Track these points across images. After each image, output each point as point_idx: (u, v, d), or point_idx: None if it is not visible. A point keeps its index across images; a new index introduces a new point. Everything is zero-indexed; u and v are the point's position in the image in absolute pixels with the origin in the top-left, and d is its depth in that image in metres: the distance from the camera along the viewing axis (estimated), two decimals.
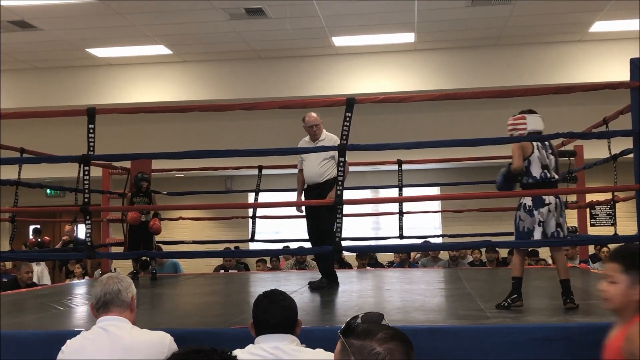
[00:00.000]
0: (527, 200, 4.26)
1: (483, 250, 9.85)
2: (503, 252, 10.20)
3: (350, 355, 1.65)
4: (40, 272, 10.32)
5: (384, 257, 11.57)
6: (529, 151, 4.31)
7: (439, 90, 9.94)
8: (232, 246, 11.11)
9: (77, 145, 6.64)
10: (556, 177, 4.39)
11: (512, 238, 4.51)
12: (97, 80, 11.34)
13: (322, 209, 5.64)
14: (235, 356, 1.73)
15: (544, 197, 4.22)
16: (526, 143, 4.33)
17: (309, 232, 6.02)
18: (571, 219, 7.44)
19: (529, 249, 9.13)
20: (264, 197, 8.60)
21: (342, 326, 1.73)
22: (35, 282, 9.08)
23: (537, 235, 4.21)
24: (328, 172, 5.87)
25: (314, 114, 5.97)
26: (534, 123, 4.44)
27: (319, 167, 5.88)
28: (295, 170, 6.18)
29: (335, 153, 5.54)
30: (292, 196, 6.27)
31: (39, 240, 11.54)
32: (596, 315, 3.89)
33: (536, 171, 4.31)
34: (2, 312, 4.56)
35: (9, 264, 11.70)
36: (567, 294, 4.10)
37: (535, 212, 4.22)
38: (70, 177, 7.52)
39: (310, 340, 2.84)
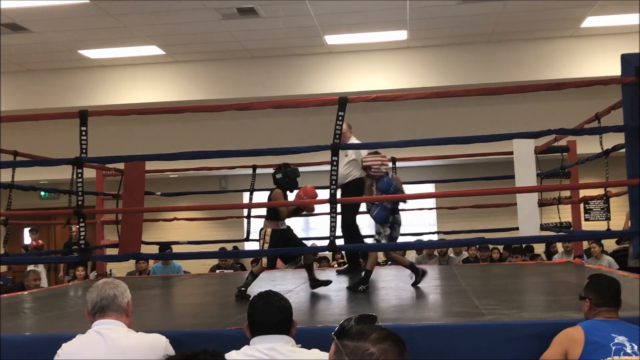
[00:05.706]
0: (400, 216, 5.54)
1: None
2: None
3: (344, 356, 1.66)
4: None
5: (379, 255, 11.56)
6: None
7: (432, 87, 9.96)
8: (227, 246, 11.11)
9: (71, 146, 6.61)
10: None
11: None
12: (90, 82, 11.31)
13: (343, 208, 6.18)
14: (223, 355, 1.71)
15: None
16: None
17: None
18: (565, 214, 7.47)
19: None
20: (258, 196, 8.58)
21: (337, 327, 1.74)
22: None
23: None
24: (352, 173, 6.18)
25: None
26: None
27: (342, 169, 6.11)
28: None
29: (356, 155, 6.05)
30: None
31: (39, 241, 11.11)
32: None
33: None
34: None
35: (3, 268, 11.63)
36: (364, 281, 5.16)
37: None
38: (64, 179, 7.50)
39: (305, 340, 2.84)
